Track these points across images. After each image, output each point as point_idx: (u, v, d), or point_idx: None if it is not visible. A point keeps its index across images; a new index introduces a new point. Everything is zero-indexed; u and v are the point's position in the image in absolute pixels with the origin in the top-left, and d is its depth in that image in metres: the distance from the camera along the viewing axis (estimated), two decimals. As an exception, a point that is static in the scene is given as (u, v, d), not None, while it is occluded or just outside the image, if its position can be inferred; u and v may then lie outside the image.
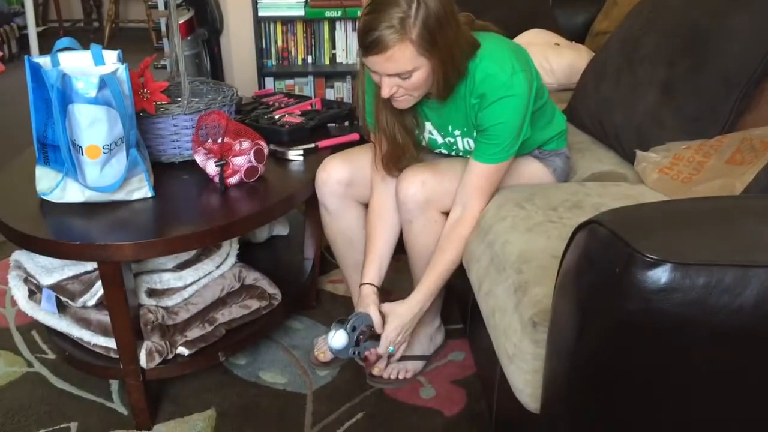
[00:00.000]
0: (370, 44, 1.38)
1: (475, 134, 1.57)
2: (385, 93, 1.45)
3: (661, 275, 0.84)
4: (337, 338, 1.56)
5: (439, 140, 1.67)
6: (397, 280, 2.13)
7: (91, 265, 1.62)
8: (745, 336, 0.87)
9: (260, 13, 3.19)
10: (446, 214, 1.62)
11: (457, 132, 1.62)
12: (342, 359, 1.73)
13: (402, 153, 1.62)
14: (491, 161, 1.54)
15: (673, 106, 1.70)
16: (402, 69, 1.41)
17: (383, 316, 1.60)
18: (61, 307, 1.69)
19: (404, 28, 1.36)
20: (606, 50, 2.00)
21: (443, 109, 1.57)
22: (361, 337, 1.57)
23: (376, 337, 1.60)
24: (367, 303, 1.62)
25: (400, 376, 1.77)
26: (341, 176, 1.71)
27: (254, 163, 1.70)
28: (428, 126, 1.66)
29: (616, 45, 1.94)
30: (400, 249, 1.73)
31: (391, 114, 1.57)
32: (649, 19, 1.87)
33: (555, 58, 2.38)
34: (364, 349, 1.60)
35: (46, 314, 1.71)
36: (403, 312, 1.61)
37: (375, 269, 1.67)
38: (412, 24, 1.36)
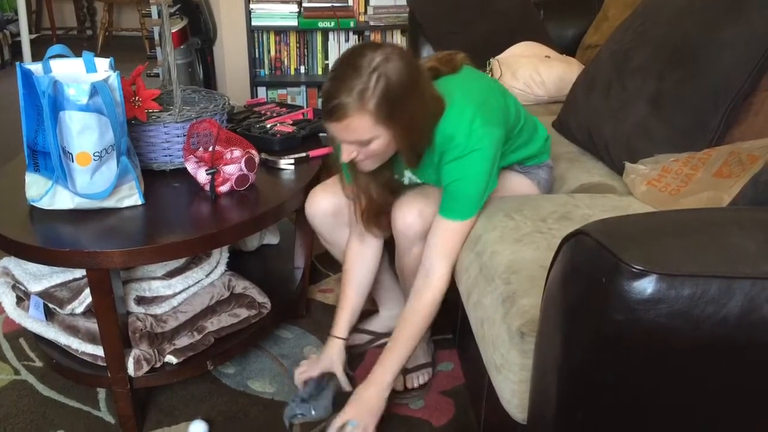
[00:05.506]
0: (329, 111, 1.37)
1: None
2: (345, 158, 1.44)
3: (646, 286, 0.84)
4: (319, 410, 1.60)
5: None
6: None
7: (79, 273, 1.62)
8: (729, 347, 0.88)
9: (254, 23, 3.21)
10: None
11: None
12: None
13: (380, 208, 1.61)
14: (454, 217, 1.51)
15: (662, 119, 1.71)
16: (359, 138, 1.39)
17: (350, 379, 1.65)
18: (49, 315, 1.68)
19: (362, 99, 1.34)
20: (596, 63, 2.01)
21: (416, 168, 1.58)
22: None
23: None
24: (333, 359, 1.65)
25: (416, 384, 1.79)
26: (327, 208, 1.72)
27: (245, 171, 1.70)
28: (407, 173, 1.67)
29: (607, 58, 1.95)
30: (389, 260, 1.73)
31: (364, 173, 1.55)
32: (639, 33, 1.88)
33: (545, 70, 2.40)
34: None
35: (33, 321, 1.70)
36: (371, 398, 1.53)
37: (346, 323, 1.69)
38: (370, 95, 1.34)
